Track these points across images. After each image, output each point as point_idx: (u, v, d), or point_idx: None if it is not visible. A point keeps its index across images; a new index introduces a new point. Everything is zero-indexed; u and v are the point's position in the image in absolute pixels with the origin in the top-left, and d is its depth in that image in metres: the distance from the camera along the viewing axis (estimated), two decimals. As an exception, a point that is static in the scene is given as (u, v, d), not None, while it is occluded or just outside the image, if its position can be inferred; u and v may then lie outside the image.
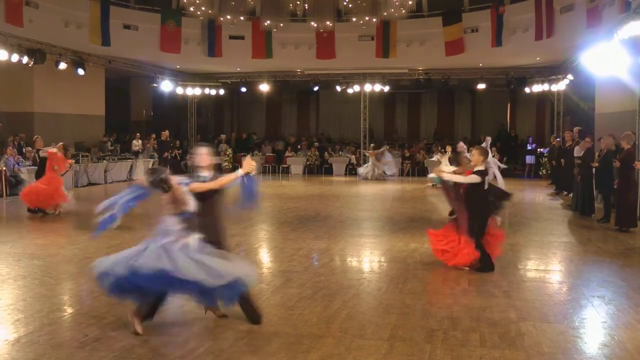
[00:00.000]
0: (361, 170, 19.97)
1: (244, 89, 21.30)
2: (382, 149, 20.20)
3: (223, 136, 23.96)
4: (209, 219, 4.44)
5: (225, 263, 4.22)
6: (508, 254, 7.51)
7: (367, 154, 20.35)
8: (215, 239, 4.40)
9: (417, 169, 21.48)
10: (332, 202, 13.48)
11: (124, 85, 22.48)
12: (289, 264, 6.84)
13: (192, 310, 4.93)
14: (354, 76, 20.87)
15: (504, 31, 16.58)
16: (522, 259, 7.30)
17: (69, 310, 4.99)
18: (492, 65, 19.43)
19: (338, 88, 21.44)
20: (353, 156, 21.99)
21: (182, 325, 4.58)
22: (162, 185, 4.19)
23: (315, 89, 21.54)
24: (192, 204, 4.25)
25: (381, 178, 19.54)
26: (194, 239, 4.23)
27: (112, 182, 17.25)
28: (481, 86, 20.42)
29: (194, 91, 21.95)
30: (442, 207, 12.33)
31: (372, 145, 20.68)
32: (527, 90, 20.19)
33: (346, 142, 24.28)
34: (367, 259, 7.30)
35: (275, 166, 22.62)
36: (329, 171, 21.67)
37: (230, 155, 22.57)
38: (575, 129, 13.81)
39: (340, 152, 22.49)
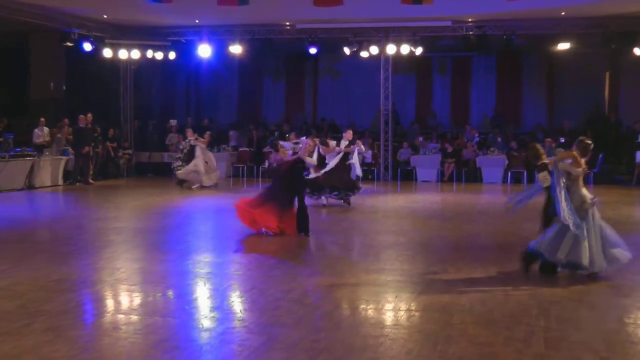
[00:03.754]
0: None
1: (206, 52, 21.33)
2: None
3: (174, 122, 23.95)
4: None
5: None
6: (609, 300, 7.49)
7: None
8: None
9: (465, 172, 21.51)
10: (338, 221, 13.44)
11: (19, 45, 22.48)
12: (272, 314, 6.83)
13: None
14: (371, 32, 20.93)
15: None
16: (632, 308, 7.29)
17: None
18: (580, 13, 19.49)
19: (347, 50, 21.45)
20: (369, 151, 22.04)
21: None
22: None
23: (313, 51, 21.55)
24: None
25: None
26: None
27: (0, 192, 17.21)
28: (563, 46, 20.45)
29: (130, 54, 21.99)
30: (500, 227, 12.34)
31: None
32: (637, 51, 20.21)
33: (359, 130, 24.25)
34: (390, 306, 7.29)
35: (252, 167, 22.66)
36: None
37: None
38: None
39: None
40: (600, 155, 19.76)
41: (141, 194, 17.96)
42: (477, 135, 22.67)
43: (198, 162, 19.08)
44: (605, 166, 20.37)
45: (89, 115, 20.18)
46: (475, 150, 21.63)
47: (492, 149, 21.44)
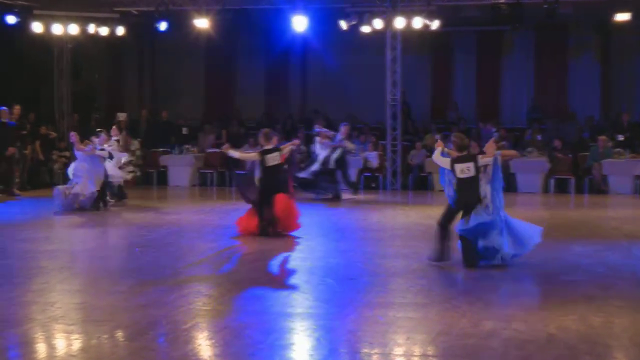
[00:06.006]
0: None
1: (162, 27, 21.25)
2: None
3: (122, 115, 23.83)
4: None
5: None
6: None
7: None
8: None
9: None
10: (335, 241, 13.51)
11: None
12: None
13: None
14: (374, 0, 20.93)
15: None
16: None
17: None
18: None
19: (343, 24, 21.44)
20: (374, 153, 22.02)
21: None
22: None
23: (300, 25, 21.49)
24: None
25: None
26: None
27: None
28: (622, 17, 20.48)
29: (66, 29, 21.90)
30: (541, 248, 12.35)
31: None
32: None
33: (359, 125, 24.24)
34: (400, 350, 7.29)
35: (223, 172, 22.64)
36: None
37: (139, 152, 22.43)
38: None
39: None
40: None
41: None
42: (494, 130, 22.57)
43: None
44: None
45: (17, 107, 20.08)
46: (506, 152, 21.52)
47: (529, 149, 21.33)
